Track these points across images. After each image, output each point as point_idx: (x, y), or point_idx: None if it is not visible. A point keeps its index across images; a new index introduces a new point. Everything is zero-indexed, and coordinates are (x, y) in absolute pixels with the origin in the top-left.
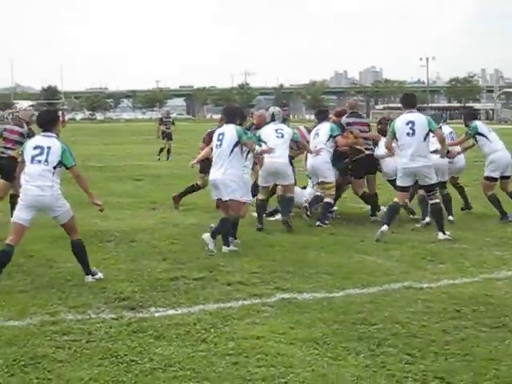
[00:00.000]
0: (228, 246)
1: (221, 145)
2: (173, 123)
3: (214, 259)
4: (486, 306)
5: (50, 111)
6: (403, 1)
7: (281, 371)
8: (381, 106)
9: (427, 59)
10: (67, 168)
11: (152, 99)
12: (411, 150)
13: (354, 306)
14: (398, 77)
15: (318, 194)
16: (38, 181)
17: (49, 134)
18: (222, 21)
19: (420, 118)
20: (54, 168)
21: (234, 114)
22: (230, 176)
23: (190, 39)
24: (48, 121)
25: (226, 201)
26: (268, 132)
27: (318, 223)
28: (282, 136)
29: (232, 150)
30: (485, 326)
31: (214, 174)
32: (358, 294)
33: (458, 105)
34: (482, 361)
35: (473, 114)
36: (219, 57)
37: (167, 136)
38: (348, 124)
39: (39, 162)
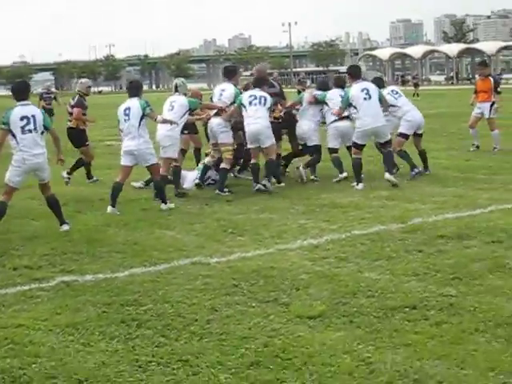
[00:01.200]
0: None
1: (129, 119)
2: (55, 99)
3: (9, 243)
4: (266, 279)
5: (22, 82)
6: None
7: (26, 361)
8: (248, 73)
9: (289, 24)
10: (48, 130)
11: (16, 74)
12: (371, 111)
13: (132, 286)
14: (267, 43)
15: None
16: (34, 149)
17: (27, 102)
18: None
19: (371, 85)
20: (42, 133)
21: (136, 88)
22: (144, 145)
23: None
24: (23, 90)
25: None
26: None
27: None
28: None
29: (139, 124)
30: (256, 301)
31: (129, 144)
32: (142, 272)
33: (322, 69)
34: (235, 339)
35: (338, 82)
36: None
37: (48, 112)
38: None
39: (30, 131)
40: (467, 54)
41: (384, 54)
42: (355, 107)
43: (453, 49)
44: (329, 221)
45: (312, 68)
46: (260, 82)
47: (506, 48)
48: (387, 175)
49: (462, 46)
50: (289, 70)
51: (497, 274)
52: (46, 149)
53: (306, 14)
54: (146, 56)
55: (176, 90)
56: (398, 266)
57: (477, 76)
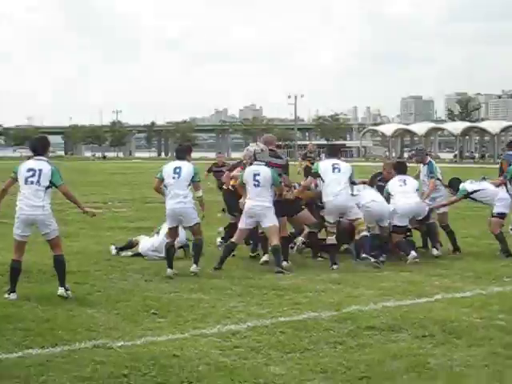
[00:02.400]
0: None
1: (179, 177)
2: None
3: None
4: (162, 368)
5: (40, 137)
6: (289, 40)
7: None
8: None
9: (295, 97)
10: (56, 186)
11: (24, 136)
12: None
13: (16, 370)
14: (279, 115)
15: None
16: (32, 201)
17: (41, 157)
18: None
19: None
20: (47, 188)
21: (184, 151)
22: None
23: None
24: (39, 146)
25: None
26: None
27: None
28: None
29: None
30: None
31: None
32: (36, 354)
33: (326, 143)
34: None
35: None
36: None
37: None
38: None
39: (32, 182)
40: (472, 133)
41: (388, 129)
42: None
43: (457, 127)
44: (260, 304)
45: (317, 141)
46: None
47: (509, 127)
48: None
49: (466, 124)
50: (293, 142)
51: (411, 375)
52: (49, 205)
53: (319, 88)
54: (152, 123)
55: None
56: (309, 361)
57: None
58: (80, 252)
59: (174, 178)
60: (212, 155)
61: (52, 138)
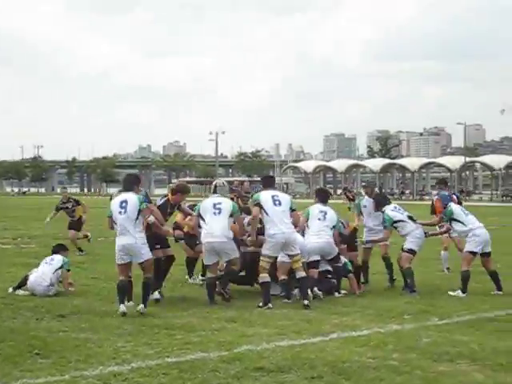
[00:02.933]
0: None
1: (125, 212)
2: None
3: None
4: None
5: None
6: (213, 77)
7: None
8: (176, 180)
9: (216, 133)
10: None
11: None
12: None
13: None
14: (201, 151)
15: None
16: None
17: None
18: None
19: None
20: (136, 218)
21: (131, 182)
22: (140, 240)
23: None
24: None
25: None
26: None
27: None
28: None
29: (137, 217)
30: None
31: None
32: None
33: (244, 179)
34: None
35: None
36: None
37: None
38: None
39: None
40: (393, 169)
41: (308, 166)
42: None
43: (376, 163)
44: (149, 344)
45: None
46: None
47: (428, 164)
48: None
49: (385, 161)
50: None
51: None
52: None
53: (242, 125)
54: (73, 159)
55: (215, 191)
56: None
57: (434, 194)
58: None
59: (120, 213)
60: None
61: None
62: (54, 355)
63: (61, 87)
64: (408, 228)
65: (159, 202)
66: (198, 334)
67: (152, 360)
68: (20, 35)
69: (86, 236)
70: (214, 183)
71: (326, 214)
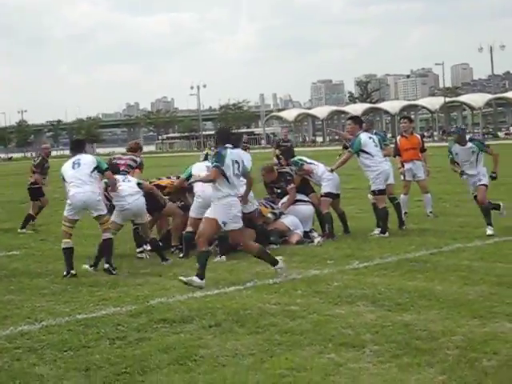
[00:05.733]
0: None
1: (79, 166)
2: None
3: None
4: None
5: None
6: (197, 31)
7: None
8: (165, 136)
9: (198, 87)
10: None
11: None
12: None
13: None
14: (188, 105)
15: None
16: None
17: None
18: None
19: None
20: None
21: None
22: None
23: None
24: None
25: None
26: None
27: None
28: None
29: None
30: None
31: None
32: None
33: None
34: None
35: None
36: None
37: None
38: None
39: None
40: (373, 114)
41: (290, 115)
42: None
43: (357, 108)
44: (68, 302)
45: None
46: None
47: (409, 107)
48: None
49: (366, 105)
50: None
51: (172, 368)
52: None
53: (228, 76)
54: (58, 121)
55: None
56: (79, 359)
57: (397, 135)
58: None
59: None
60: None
61: None
62: None
63: (45, 49)
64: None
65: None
66: (118, 289)
67: (63, 317)
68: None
69: None
70: (204, 152)
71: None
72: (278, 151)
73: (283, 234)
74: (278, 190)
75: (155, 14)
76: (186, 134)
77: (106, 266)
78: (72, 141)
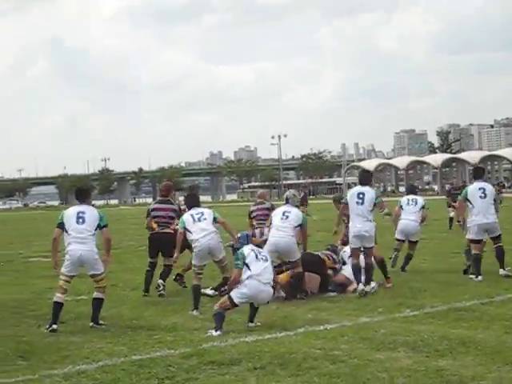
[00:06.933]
0: None
1: (83, 222)
2: None
3: None
4: None
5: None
6: (273, 83)
7: None
8: (246, 185)
9: (279, 137)
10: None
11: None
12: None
13: None
14: (271, 155)
15: None
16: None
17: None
18: None
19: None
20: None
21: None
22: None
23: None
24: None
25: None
26: None
27: None
28: None
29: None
30: None
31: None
32: None
33: (310, 180)
34: None
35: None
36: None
37: None
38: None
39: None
40: (452, 164)
41: (370, 165)
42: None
43: (437, 159)
44: (125, 344)
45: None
46: None
47: (490, 157)
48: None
49: (445, 155)
50: (278, 182)
51: None
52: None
53: (313, 126)
54: (140, 169)
55: (287, 202)
56: None
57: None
58: None
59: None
60: (208, 198)
61: (47, 188)
62: (35, 357)
63: (130, 97)
64: None
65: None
66: (175, 333)
67: (119, 358)
68: (86, 51)
69: None
70: (285, 195)
71: None
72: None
73: (343, 284)
74: None
75: (236, 62)
76: (267, 183)
77: (91, 323)
78: (76, 189)
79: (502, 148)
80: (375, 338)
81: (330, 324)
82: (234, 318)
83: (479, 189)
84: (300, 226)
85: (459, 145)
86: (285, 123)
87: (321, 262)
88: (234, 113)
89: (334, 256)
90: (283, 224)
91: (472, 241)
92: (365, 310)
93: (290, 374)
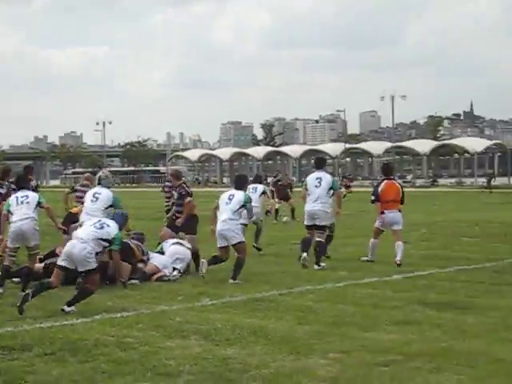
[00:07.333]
0: None
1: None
2: None
3: None
4: None
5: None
6: (103, 68)
7: None
8: (70, 171)
9: (104, 123)
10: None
11: None
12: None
13: None
14: (98, 141)
15: None
16: None
17: None
18: None
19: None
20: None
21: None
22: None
23: None
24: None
25: None
26: None
27: None
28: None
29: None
30: None
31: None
32: None
33: (134, 168)
34: None
35: None
36: None
37: None
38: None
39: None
40: (274, 157)
41: (194, 155)
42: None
43: (260, 151)
44: None
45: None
46: None
47: (310, 152)
48: None
49: (268, 148)
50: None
51: None
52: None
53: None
54: None
55: (99, 183)
56: None
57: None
58: None
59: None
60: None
61: None
62: None
63: None
64: None
65: None
66: None
67: None
68: None
69: None
70: (98, 175)
71: None
72: None
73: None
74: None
75: (68, 46)
76: (90, 169)
77: None
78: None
79: (325, 143)
80: (169, 326)
81: (128, 311)
82: (34, 304)
83: (316, 178)
84: (111, 206)
85: (282, 138)
86: (113, 110)
87: (130, 250)
88: (62, 98)
89: (143, 247)
90: (93, 206)
91: (305, 226)
92: (165, 298)
93: (79, 361)
